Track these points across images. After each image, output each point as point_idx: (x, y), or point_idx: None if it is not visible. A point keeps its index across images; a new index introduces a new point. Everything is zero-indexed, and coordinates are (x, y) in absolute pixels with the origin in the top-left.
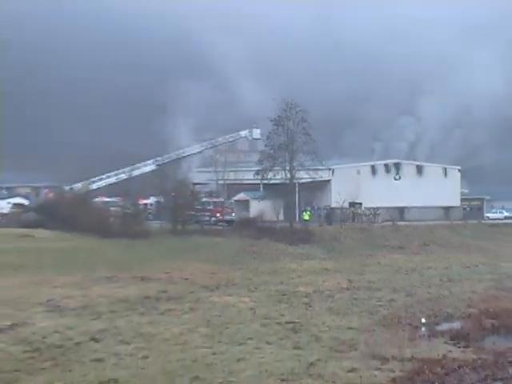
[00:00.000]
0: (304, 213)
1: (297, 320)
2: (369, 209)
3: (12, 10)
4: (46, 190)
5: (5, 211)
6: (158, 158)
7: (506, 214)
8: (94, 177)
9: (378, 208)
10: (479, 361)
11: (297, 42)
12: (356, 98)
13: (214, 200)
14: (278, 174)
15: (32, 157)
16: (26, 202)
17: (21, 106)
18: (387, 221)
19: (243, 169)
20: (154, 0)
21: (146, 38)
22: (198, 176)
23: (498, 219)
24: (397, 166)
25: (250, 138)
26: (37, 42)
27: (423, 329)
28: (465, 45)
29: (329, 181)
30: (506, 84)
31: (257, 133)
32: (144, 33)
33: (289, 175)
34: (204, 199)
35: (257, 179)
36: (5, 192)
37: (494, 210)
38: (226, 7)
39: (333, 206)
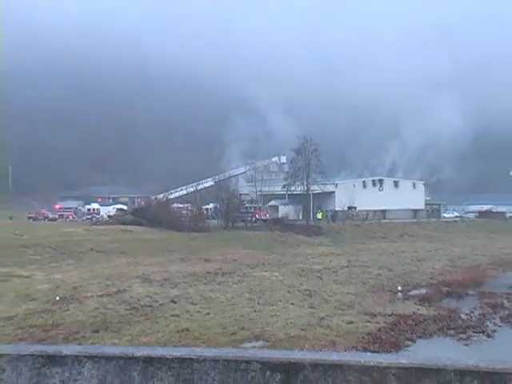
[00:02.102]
0: (318, 213)
1: (312, 288)
2: (362, 211)
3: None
4: (138, 199)
5: (111, 214)
6: (216, 176)
7: (456, 214)
8: (172, 190)
9: (368, 211)
10: (438, 316)
11: (312, 91)
12: (355, 129)
13: (254, 205)
14: (298, 187)
15: (129, 176)
16: (125, 207)
17: (119, 142)
18: (374, 219)
19: (274, 184)
20: (211, 59)
21: (207, 87)
22: (243, 189)
23: (451, 218)
24: (380, 181)
25: (278, 162)
26: (130, 93)
27: (399, 294)
28: (431, 92)
29: (333, 192)
30: (461, 122)
31: (283, 159)
32: (206, 83)
33: (305, 188)
34: (247, 205)
35: (283, 191)
36: (111, 200)
37: (448, 212)
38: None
39: (336, 209)
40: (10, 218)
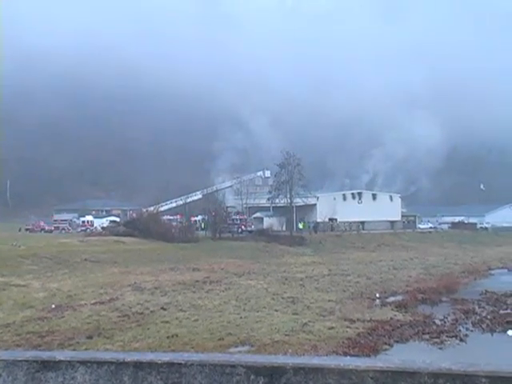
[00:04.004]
0: (300, 224)
1: (295, 295)
2: (342, 222)
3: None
4: (131, 211)
5: (104, 225)
6: (204, 190)
7: (430, 225)
8: (162, 202)
9: (348, 222)
10: (414, 321)
11: (296, 106)
12: (338, 143)
13: (240, 217)
14: (281, 200)
15: (122, 190)
16: (118, 219)
17: (114, 157)
18: (353, 230)
19: (259, 197)
20: (202, 77)
21: (197, 104)
22: (230, 201)
23: (425, 229)
24: (359, 194)
25: (263, 176)
26: (125, 111)
27: (377, 301)
28: (408, 110)
29: (315, 204)
30: (435, 138)
31: (267, 173)
32: (196, 100)
33: (289, 201)
34: (233, 217)
35: (268, 203)
36: (104, 213)
37: (422, 223)
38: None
39: (318, 220)
40: (19, 230)
